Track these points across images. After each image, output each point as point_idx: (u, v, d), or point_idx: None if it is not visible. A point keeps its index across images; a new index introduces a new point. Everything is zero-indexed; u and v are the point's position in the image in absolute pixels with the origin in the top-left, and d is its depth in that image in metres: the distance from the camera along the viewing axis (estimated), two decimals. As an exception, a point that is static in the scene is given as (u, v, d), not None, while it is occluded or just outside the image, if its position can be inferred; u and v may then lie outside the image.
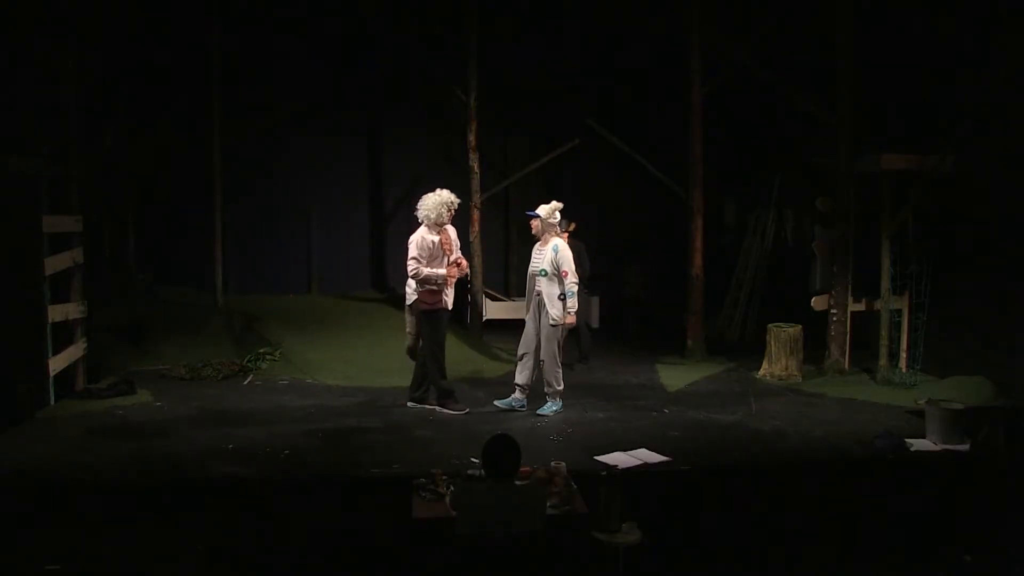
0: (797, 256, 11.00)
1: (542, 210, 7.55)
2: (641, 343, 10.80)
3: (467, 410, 7.68)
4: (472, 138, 10.57)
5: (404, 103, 11.91)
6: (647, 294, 11.90)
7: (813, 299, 9.36)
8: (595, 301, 11.79)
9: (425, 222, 7.54)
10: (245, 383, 8.79)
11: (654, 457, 6.30)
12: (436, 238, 7.50)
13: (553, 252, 7.43)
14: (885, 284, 8.86)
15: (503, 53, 11.27)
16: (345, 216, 12.35)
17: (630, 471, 5.98)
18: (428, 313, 7.51)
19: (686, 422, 7.43)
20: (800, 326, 9.08)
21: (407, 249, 7.51)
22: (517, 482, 4.41)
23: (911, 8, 9.00)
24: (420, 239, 7.48)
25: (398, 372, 9.15)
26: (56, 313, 7.77)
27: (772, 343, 9.04)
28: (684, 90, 9.97)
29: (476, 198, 10.72)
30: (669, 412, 7.74)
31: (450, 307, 7.63)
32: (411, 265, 7.41)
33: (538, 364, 7.61)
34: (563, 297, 7.41)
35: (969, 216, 8.53)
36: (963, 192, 8.55)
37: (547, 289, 7.45)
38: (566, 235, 8.00)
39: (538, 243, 7.61)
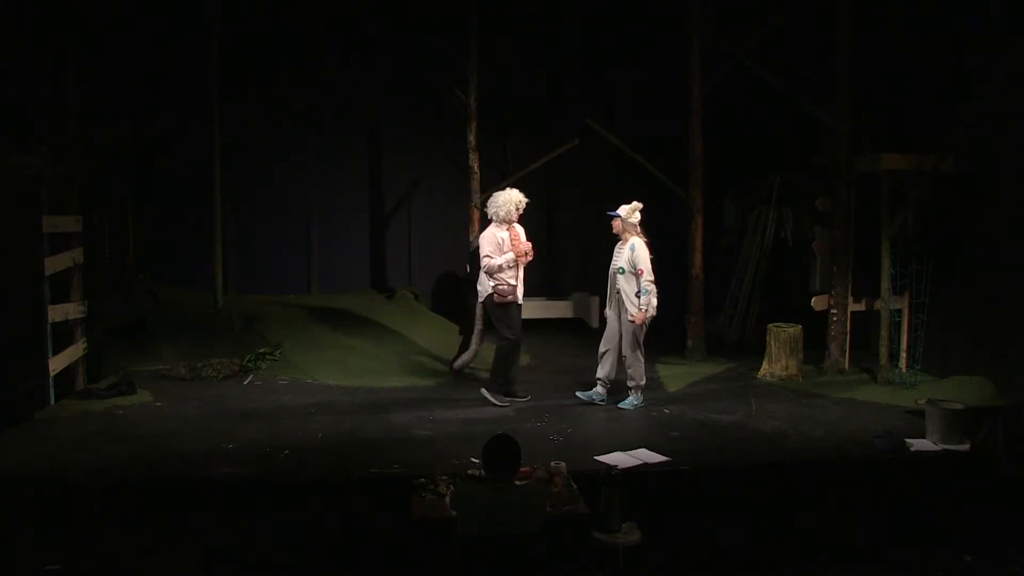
0: (797, 256, 10.99)
1: (622, 210, 7.77)
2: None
3: (509, 404, 7.89)
4: (472, 138, 10.55)
5: (404, 103, 11.90)
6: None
7: (813, 299, 9.36)
8: (595, 301, 11.78)
9: (495, 219, 7.88)
10: (245, 383, 8.78)
11: (654, 457, 6.30)
12: (505, 234, 7.84)
13: (630, 250, 7.66)
14: (885, 284, 8.85)
15: (503, 53, 11.26)
16: (345, 216, 12.33)
17: (630, 471, 5.98)
18: (501, 306, 7.84)
19: (686, 422, 7.43)
20: (800, 326, 9.07)
21: (478, 246, 7.99)
22: (517, 482, 4.42)
23: (911, 7, 9.01)
24: (491, 235, 7.86)
25: (398, 372, 9.17)
26: (56, 313, 7.76)
27: (772, 343, 9.04)
28: (684, 90, 9.97)
29: (476, 198, 10.70)
30: (669, 412, 7.75)
31: (520, 301, 7.94)
32: (484, 261, 7.80)
33: (620, 359, 7.84)
34: (639, 294, 7.56)
35: (969, 216, 8.53)
36: (963, 192, 8.55)
37: (625, 286, 7.68)
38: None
39: (619, 242, 7.82)
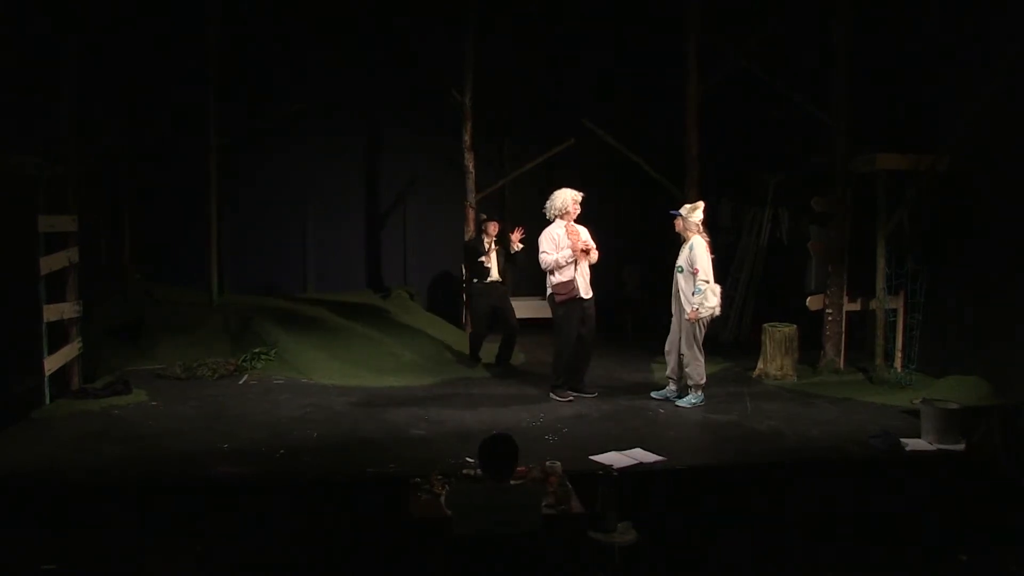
0: (793, 256, 11.00)
1: (684, 208, 7.86)
2: (637, 342, 10.80)
3: (572, 398, 7.98)
4: (467, 138, 10.57)
5: (401, 103, 11.90)
6: (643, 294, 11.91)
7: (808, 299, 9.36)
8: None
9: (553, 216, 7.97)
10: (241, 383, 8.78)
11: (649, 456, 6.31)
12: (561, 230, 7.89)
13: (689, 250, 7.71)
14: (880, 284, 8.87)
15: (500, 53, 11.27)
16: (341, 216, 12.34)
17: (626, 470, 5.99)
18: (562, 304, 7.87)
19: (681, 421, 7.44)
20: (795, 326, 9.09)
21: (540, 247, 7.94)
22: (513, 482, 4.42)
23: (911, 7, 9.02)
24: (547, 232, 7.97)
25: (393, 371, 9.17)
26: (52, 313, 7.75)
27: (767, 343, 9.05)
28: (681, 90, 9.97)
29: (472, 198, 10.74)
30: (664, 411, 7.76)
31: (584, 296, 7.92)
32: (541, 258, 7.85)
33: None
34: (696, 293, 7.63)
35: (965, 215, 8.54)
36: (959, 191, 8.56)
37: (683, 285, 7.73)
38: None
39: (683, 242, 7.87)
